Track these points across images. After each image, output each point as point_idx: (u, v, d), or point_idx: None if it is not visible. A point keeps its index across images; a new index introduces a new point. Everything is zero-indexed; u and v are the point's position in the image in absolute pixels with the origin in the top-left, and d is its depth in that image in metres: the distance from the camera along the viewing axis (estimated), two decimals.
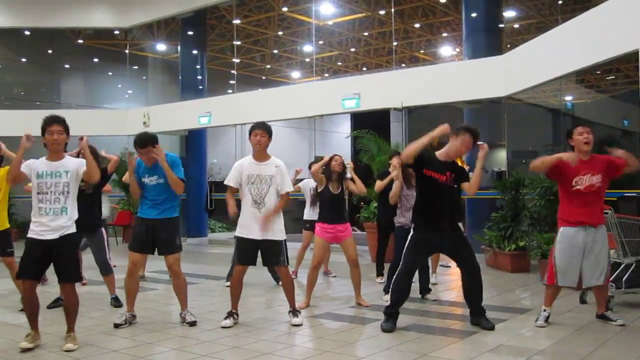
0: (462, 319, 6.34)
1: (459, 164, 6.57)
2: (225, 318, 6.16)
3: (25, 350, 5.10)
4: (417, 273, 6.83)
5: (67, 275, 5.28)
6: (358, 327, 6.25)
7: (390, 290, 6.21)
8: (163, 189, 6.14)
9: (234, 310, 6.24)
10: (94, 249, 7.24)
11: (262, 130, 6.11)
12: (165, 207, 6.17)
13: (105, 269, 7.22)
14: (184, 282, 6.31)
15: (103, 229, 7.37)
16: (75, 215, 5.36)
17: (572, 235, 5.83)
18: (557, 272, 5.90)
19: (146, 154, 6.04)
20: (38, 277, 5.37)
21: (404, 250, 6.01)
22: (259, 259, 6.26)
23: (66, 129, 5.31)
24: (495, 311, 6.71)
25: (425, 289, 7.69)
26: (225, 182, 6.24)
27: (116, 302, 7.17)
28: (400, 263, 6.01)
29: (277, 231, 6.15)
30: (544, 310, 6.08)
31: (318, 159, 9.29)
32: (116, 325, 6.01)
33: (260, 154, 6.15)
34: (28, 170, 5.26)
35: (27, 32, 19.80)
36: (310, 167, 9.16)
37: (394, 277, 6.12)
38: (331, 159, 7.23)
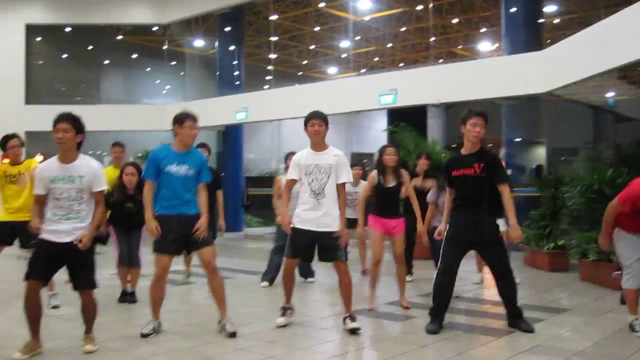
0: (500, 318, 6.26)
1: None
2: (281, 315, 5.95)
3: None
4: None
5: (83, 282, 5.01)
6: (395, 324, 6.22)
7: (433, 292, 5.95)
8: (192, 184, 5.69)
9: (287, 305, 6.02)
10: (131, 242, 7.32)
11: (319, 120, 5.80)
12: (195, 206, 5.69)
13: (136, 262, 7.32)
14: (222, 281, 5.80)
15: (142, 229, 7.43)
16: (89, 220, 5.04)
17: (629, 237, 5.64)
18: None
19: (196, 129, 5.74)
20: (46, 279, 5.03)
21: (442, 249, 5.92)
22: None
23: (76, 127, 4.96)
24: (532, 310, 6.62)
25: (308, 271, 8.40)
26: (287, 177, 5.93)
27: (132, 298, 7.22)
28: (439, 262, 5.90)
29: (336, 224, 5.75)
30: (636, 319, 5.70)
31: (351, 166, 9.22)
32: (143, 335, 5.54)
33: (319, 144, 5.83)
34: (41, 179, 4.99)
35: (68, 29, 20.17)
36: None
37: (435, 277, 5.93)
38: (382, 152, 6.82)
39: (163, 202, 5.62)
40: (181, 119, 5.74)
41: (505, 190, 5.74)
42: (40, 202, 5.08)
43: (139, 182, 7.02)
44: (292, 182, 5.94)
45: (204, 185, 5.81)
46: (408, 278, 8.72)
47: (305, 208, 5.78)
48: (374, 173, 6.88)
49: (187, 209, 5.62)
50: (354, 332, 5.68)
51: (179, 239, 5.63)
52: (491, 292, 7.90)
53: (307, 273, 8.68)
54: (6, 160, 7.17)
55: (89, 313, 5.11)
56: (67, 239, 4.91)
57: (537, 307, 6.86)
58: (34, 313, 4.94)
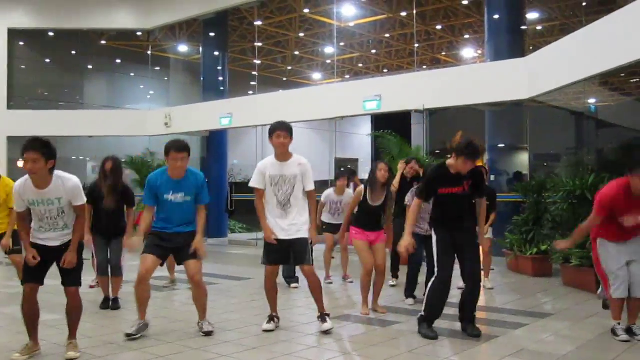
0: (485, 323, 6.28)
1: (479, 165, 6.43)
2: (267, 322, 6.04)
3: None
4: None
5: (69, 279, 5.05)
6: (378, 330, 6.21)
7: (426, 298, 5.90)
8: (190, 208, 5.81)
9: (274, 314, 6.12)
10: (112, 250, 7.24)
11: (284, 132, 5.86)
12: (191, 225, 5.84)
13: (118, 271, 7.24)
14: (205, 292, 5.95)
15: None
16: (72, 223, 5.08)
17: (613, 246, 5.65)
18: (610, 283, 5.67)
19: (181, 160, 5.66)
20: (41, 281, 5.04)
21: (436, 259, 5.84)
22: None
23: (46, 155, 4.71)
24: (516, 315, 6.66)
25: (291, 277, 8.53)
26: (250, 184, 6.00)
27: (115, 304, 7.17)
28: (436, 272, 5.83)
29: (304, 229, 5.93)
30: (618, 324, 5.69)
31: (348, 171, 9.38)
32: (128, 335, 5.61)
33: (283, 155, 5.95)
34: (20, 201, 4.96)
35: (51, 33, 20.02)
36: (337, 180, 9.18)
37: (430, 285, 5.86)
38: (376, 169, 6.80)
39: (161, 222, 5.83)
40: (166, 151, 5.75)
41: (483, 203, 5.98)
42: (23, 217, 5.08)
43: (115, 170, 7.15)
44: (261, 192, 5.98)
45: (203, 207, 5.92)
46: (392, 282, 8.74)
47: (273, 218, 5.94)
48: (362, 189, 6.94)
49: (184, 229, 5.81)
50: (326, 332, 5.87)
51: (168, 248, 5.80)
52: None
53: (291, 278, 8.66)
54: None
55: (73, 313, 5.11)
56: (57, 243, 5.02)
57: (521, 312, 6.90)
58: (31, 316, 5.03)
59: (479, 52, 22.15)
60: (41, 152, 4.71)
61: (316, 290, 6.03)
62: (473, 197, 5.90)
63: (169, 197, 5.74)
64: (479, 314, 6.76)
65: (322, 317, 6.01)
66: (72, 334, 5.13)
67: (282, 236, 5.89)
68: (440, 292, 5.82)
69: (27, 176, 4.88)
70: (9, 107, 18.59)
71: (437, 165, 6.18)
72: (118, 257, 7.25)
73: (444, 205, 5.86)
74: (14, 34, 19.09)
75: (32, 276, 5.00)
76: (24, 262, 5.10)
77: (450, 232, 5.83)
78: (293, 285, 8.62)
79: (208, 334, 5.80)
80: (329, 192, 9.19)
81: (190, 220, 5.85)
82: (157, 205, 5.84)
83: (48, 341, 5.40)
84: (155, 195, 5.79)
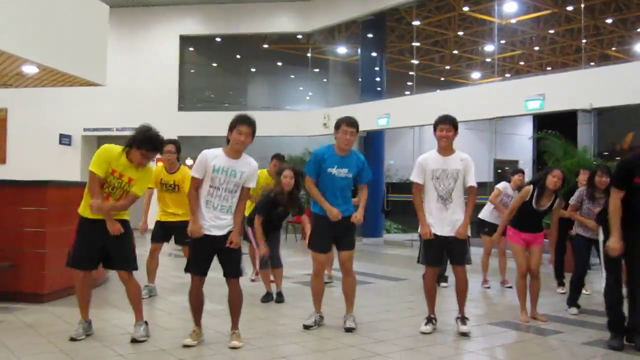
0: None
1: None
2: (425, 324, 5.98)
3: (187, 347, 5.14)
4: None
5: (231, 270, 5.28)
6: (536, 339, 5.95)
7: (605, 302, 5.60)
8: (349, 186, 5.98)
9: (432, 315, 6.05)
10: (271, 243, 7.41)
11: (448, 125, 5.81)
12: (350, 204, 5.99)
13: (277, 262, 7.48)
14: (355, 281, 6.07)
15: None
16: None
17: None
18: None
19: (350, 134, 5.85)
20: (206, 272, 5.27)
21: (603, 262, 5.52)
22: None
23: (253, 133, 5.28)
24: None
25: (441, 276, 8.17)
26: (411, 179, 5.99)
27: (279, 298, 7.37)
28: (605, 275, 5.52)
29: (461, 227, 5.81)
30: None
31: (515, 172, 9.10)
32: (306, 327, 5.92)
33: (446, 149, 5.87)
34: (202, 163, 5.17)
35: (218, 39, 21.13)
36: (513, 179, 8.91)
37: (604, 291, 5.58)
38: (549, 174, 6.50)
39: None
40: (338, 124, 5.96)
41: None
42: (197, 186, 5.21)
43: (290, 191, 7.19)
44: (420, 187, 5.94)
45: (365, 186, 6.08)
46: (560, 290, 8.37)
47: (432, 213, 5.86)
48: (529, 189, 6.66)
49: (344, 209, 5.88)
50: (463, 335, 5.79)
51: (331, 238, 5.98)
52: None
53: (440, 277, 8.42)
54: (161, 164, 7.62)
55: (235, 303, 5.35)
56: (222, 233, 5.20)
57: None
58: (198, 305, 5.31)
59: None
60: (252, 129, 5.26)
61: (462, 293, 5.98)
62: None
63: (333, 171, 5.84)
64: None
65: (462, 319, 5.94)
66: (235, 324, 5.37)
67: (437, 232, 5.81)
68: (615, 291, 5.43)
69: (220, 149, 5.27)
70: (180, 109, 19.88)
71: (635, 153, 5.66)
72: (277, 248, 7.49)
73: (632, 202, 5.30)
74: (184, 40, 20.38)
75: (196, 267, 5.25)
76: (190, 254, 5.37)
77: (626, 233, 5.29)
78: (442, 284, 8.43)
79: (349, 330, 5.86)
80: (506, 184, 8.91)
81: (349, 200, 6.00)
82: (319, 181, 5.90)
83: (213, 329, 5.70)
84: (319, 169, 5.88)
